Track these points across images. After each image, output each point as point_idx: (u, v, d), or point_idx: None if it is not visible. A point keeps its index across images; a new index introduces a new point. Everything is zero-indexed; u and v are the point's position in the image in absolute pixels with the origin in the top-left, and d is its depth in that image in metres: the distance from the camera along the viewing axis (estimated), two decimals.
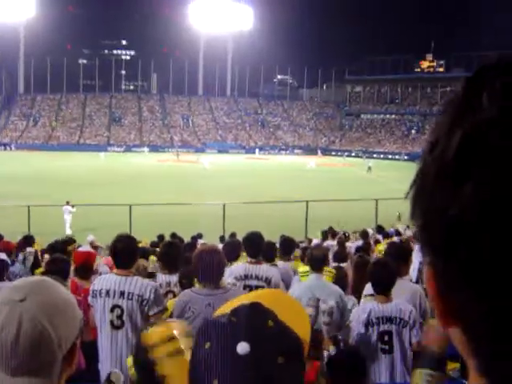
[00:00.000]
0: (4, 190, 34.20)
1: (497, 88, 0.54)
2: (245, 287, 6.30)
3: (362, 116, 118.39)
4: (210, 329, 1.18)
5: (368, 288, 6.36)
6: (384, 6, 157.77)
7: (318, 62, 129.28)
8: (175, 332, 2.20)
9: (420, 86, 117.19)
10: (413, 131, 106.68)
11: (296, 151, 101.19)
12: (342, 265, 9.58)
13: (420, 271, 8.76)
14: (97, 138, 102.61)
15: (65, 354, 1.56)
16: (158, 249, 13.92)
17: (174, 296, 6.35)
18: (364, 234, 16.79)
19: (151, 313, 5.30)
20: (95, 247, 14.65)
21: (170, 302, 5.70)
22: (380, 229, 20.56)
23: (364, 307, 5.57)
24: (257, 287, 6.30)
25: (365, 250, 12.84)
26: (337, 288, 6.50)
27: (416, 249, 9.31)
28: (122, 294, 5.32)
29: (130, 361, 2.81)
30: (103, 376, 5.19)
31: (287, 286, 7.22)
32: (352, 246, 15.25)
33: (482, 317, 0.55)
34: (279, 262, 8.83)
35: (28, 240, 12.69)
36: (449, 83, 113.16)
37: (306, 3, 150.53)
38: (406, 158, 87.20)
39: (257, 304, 1.20)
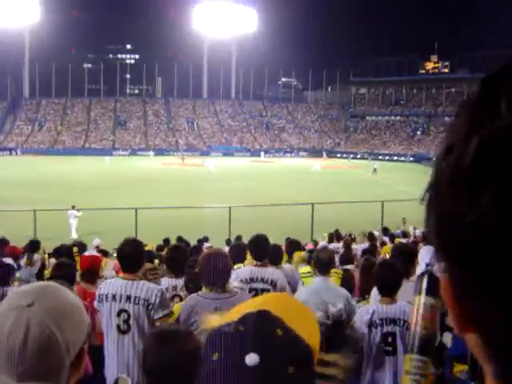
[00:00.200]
0: (10, 195, 34.29)
1: None
2: (250, 290, 6.29)
3: (367, 118, 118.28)
4: (217, 339, 1.15)
5: (376, 290, 6.35)
6: (388, 7, 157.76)
7: (323, 64, 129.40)
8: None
9: (425, 87, 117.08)
10: (418, 132, 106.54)
11: (301, 153, 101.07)
12: (348, 267, 9.58)
13: None
14: (102, 142, 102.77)
15: (72, 358, 1.55)
16: (163, 253, 13.98)
17: (181, 300, 6.34)
18: (370, 236, 16.76)
19: (156, 316, 5.29)
20: (102, 251, 14.67)
21: (177, 306, 5.70)
22: (386, 231, 20.55)
23: (368, 308, 5.56)
24: (262, 290, 6.30)
25: (371, 252, 12.82)
26: (344, 291, 6.49)
27: (423, 250, 9.27)
28: (128, 298, 5.32)
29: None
30: (110, 381, 5.19)
31: (293, 289, 7.21)
32: (358, 248, 15.23)
33: (500, 324, 0.54)
34: (285, 265, 8.82)
35: (34, 245, 12.71)
36: (454, 84, 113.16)
37: (309, 5, 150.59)
38: (411, 159, 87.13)
39: (264, 312, 1.17)
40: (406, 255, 6.61)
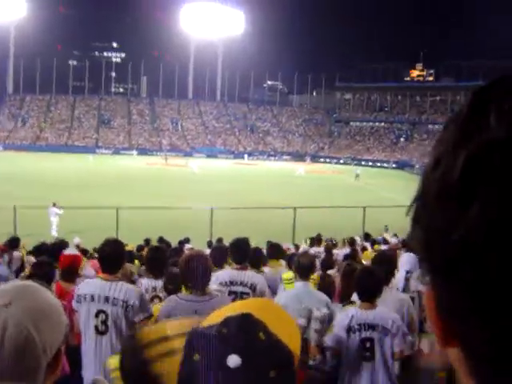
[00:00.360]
0: None
1: (505, 109, 0.53)
2: (230, 293, 6.28)
3: (351, 123, 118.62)
4: (198, 340, 1.14)
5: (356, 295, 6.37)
6: (374, 14, 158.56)
7: (308, 69, 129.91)
8: (169, 332, 2.16)
9: (409, 94, 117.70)
10: (401, 139, 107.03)
11: (284, 157, 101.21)
12: (328, 272, 9.59)
13: (407, 280, 8.78)
14: (85, 140, 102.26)
15: (49, 359, 1.54)
16: (143, 253, 13.94)
17: (160, 301, 6.32)
18: (351, 242, 16.81)
19: (137, 319, 5.26)
20: (82, 250, 14.58)
21: (156, 308, 5.68)
22: (367, 236, 20.62)
23: (347, 313, 5.57)
24: (242, 293, 6.30)
25: (352, 257, 12.85)
26: (324, 296, 6.50)
27: (403, 257, 9.32)
28: (106, 299, 5.29)
29: (113, 363, 2.78)
30: (88, 381, 5.16)
31: (274, 293, 7.21)
32: (339, 253, 15.26)
33: (485, 341, 0.54)
34: (266, 269, 8.81)
35: (14, 242, 12.61)
36: (438, 92, 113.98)
37: (297, 9, 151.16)
38: (394, 166, 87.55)
39: (247, 315, 1.17)
40: (386, 262, 6.64)
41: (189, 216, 27.36)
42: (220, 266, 7.56)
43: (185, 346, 1.16)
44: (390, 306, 5.82)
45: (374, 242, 18.27)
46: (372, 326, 5.33)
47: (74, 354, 5.38)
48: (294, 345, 1.19)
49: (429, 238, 0.57)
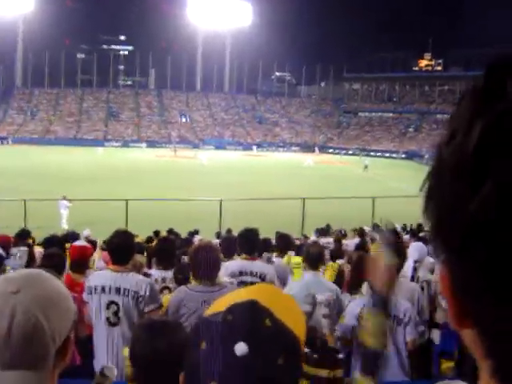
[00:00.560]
0: (1, 184, 34.13)
1: None
2: (239, 284, 6.28)
3: (360, 114, 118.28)
4: (204, 328, 1.14)
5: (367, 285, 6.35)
6: (383, 4, 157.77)
7: (317, 59, 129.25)
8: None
9: (418, 84, 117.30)
10: (410, 130, 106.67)
11: (293, 148, 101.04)
12: (338, 262, 9.59)
13: (415, 269, 8.76)
14: (94, 133, 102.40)
15: (58, 347, 1.55)
16: (151, 244, 13.96)
17: (170, 292, 6.34)
18: (360, 232, 16.79)
19: (147, 309, 5.28)
20: (91, 242, 14.61)
21: (166, 299, 5.69)
22: (376, 227, 20.58)
23: (357, 302, 5.56)
24: (252, 284, 6.29)
25: (362, 247, 12.84)
26: (333, 285, 6.50)
27: (411, 247, 9.29)
28: (117, 290, 5.30)
29: (126, 351, 2.81)
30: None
31: (283, 283, 7.21)
32: (348, 243, 15.26)
33: (499, 320, 0.53)
34: (276, 259, 8.82)
35: (24, 234, 12.65)
36: (447, 82, 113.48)
37: (305, 0, 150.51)
38: (403, 156, 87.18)
39: (253, 302, 1.17)
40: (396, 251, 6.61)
41: (198, 208, 27.39)
42: (229, 256, 7.57)
43: (191, 334, 1.17)
44: (401, 295, 5.81)
45: None
46: None
47: (84, 345, 5.41)
48: (299, 330, 1.19)
49: (442, 214, 0.57)
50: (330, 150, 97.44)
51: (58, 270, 5.89)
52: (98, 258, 9.91)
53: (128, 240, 5.62)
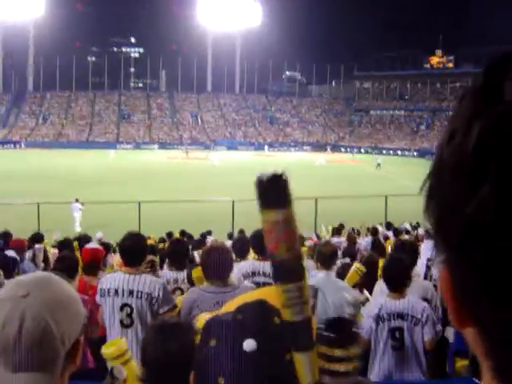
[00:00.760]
0: (14, 188, 34.34)
1: None
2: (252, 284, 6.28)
3: (371, 112, 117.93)
4: (214, 326, 1.18)
5: (380, 284, 6.34)
6: (392, 1, 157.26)
7: (327, 58, 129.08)
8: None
9: (429, 81, 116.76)
10: (422, 127, 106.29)
11: (305, 148, 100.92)
12: (349, 261, 9.56)
13: (428, 268, 8.73)
14: (106, 136, 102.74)
15: (68, 350, 1.55)
16: (163, 245, 13.98)
17: (182, 293, 6.35)
18: (374, 231, 16.75)
19: (161, 311, 5.29)
20: (104, 244, 14.67)
21: (178, 299, 5.70)
22: (389, 225, 20.52)
23: (376, 302, 5.54)
24: (264, 284, 6.29)
25: (376, 246, 12.78)
26: (345, 285, 6.47)
27: (424, 245, 9.27)
28: (131, 292, 5.32)
29: (108, 353, 2.84)
30: None
31: None
32: (361, 242, 15.22)
33: (497, 322, 0.53)
34: None
35: (37, 237, 12.72)
36: (458, 79, 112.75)
37: (314, 0, 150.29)
38: (415, 154, 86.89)
39: (262, 301, 1.20)
40: (408, 251, 6.60)
41: (211, 209, 27.44)
42: (242, 257, 7.57)
43: (201, 333, 1.19)
44: (415, 293, 5.79)
45: (396, 231, 18.16)
46: (401, 316, 5.29)
47: (98, 347, 5.42)
48: None
49: (442, 213, 0.57)
50: (342, 149, 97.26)
51: (70, 272, 5.92)
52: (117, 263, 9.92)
53: (140, 242, 5.63)
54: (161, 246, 15.12)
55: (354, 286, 7.14)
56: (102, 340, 5.53)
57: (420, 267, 8.32)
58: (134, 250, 5.50)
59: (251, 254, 7.44)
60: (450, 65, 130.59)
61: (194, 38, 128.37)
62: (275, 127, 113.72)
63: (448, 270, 0.58)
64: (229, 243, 12.03)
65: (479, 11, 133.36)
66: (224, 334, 1.14)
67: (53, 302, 1.53)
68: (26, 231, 14.94)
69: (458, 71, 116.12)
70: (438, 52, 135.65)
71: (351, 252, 11.25)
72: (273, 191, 0.80)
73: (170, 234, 18.05)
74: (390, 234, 17.89)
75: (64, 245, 10.62)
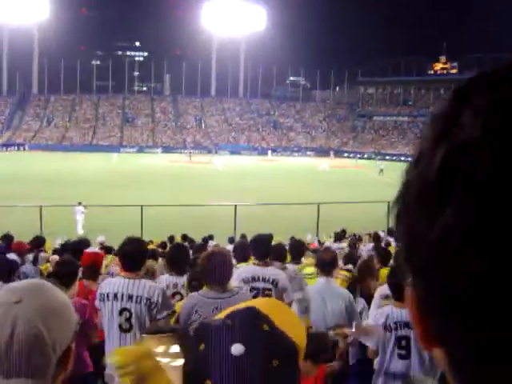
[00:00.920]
0: (17, 191, 34.38)
1: (481, 106, 0.51)
2: (252, 289, 6.28)
3: (375, 118, 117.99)
4: (204, 331, 1.19)
5: (383, 289, 6.32)
6: (397, 7, 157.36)
7: (331, 64, 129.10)
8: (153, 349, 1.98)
9: (433, 87, 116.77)
10: None
11: (308, 153, 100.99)
12: (351, 267, 9.54)
13: None
14: (110, 139, 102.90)
15: (59, 357, 1.55)
16: (162, 250, 13.97)
17: (182, 298, 6.35)
18: (376, 237, 16.72)
19: (159, 316, 5.30)
20: (106, 248, 14.69)
21: (177, 305, 5.70)
22: (391, 232, 20.47)
23: (382, 311, 5.52)
24: (264, 289, 6.29)
25: (379, 253, 12.65)
26: (345, 291, 6.47)
27: None
28: (130, 297, 5.32)
29: (117, 360, 2.80)
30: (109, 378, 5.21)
31: (300, 289, 7.19)
32: (364, 248, 15.20)
33: (462, 345, 0.53)
34: (289, 265, 8.79)
35: (39, 241, 12.73)
36: None
37: (318, 5, 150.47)
38: None
39: (252, 308, 1.21)
40: None
41: (213, 213, 27.42)
42: (243, 261, 7.57)
43: (191, 338, 1.23)
44: None
45: None
46: (408, 324, 5.27)
47: (97, 352, 5.43)
48: (298, 339, 1.22)
49: (408, 238, 0.57)
50: (345, 154, 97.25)
51: (70, 277, 5.92)
52: (114, 263, 9.94)
53: (140, 247, 5.64)
54: (163, 250, 15.09)
55: (354, 291, 7.14)
56: (101, 345, 5.55)
57: None
58: (134, 255, 5.50)
59: (252, 259, 7.44)
60: (454, 71, 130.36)
61: (199, 42, 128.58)
62: (278, 132, 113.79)
63: (414, 292, 0.58)
64: (230, 248, 12.02)
65: (483, 18, 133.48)
66: (212, 339, 1.15)
67: (45, 308, 1.54)
68: (28, 234, 14.97)
69: (461, 77, 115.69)
70: (442, 58, 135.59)
71: (353, 258, 11.20)
72: None
73: (171, 238, 18.05)
74: (392, 240, 17.86)
75: (64, 249, 10.64)
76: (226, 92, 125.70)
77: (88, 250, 7.44)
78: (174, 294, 6.61)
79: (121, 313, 5.34)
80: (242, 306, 1.25)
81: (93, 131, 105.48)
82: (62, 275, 5.77)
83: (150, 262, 7.38)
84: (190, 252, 10.57)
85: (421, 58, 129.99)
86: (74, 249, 9.61)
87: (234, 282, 5.93)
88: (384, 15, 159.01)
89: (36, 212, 23.01)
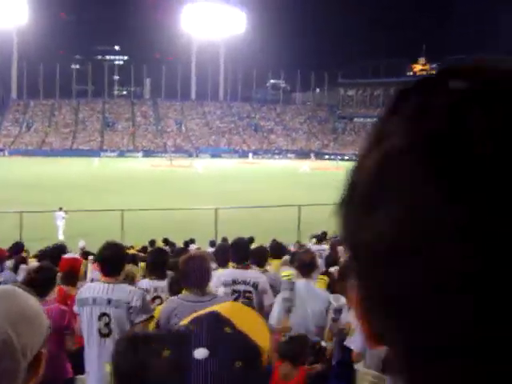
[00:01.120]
0: None
1: (407, 115, 0.52)
2: (233, 292, 6.28)
3: (355, 119, 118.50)
4: (168, 337, 1.22)
5: None
6: (377, 10, 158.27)
7: (311, 66, 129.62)
8: None
9: None
10: None
11: (289, 155, 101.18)
12: (332, 269, 9.57)
13: None
14: (90, 143, 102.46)
15: (30, 362, 1.55)
16: (143, 254, 13.92)
17: (161, 302, 6.33)
18: None
19: (138, 320, 5.27)
20: (86, 253, 14.59)
21: (157, 309, 5.69)
22: None
23: None
24: (245, 292, 6.30)
25: None
26: (325, 293, 6.49)
27: None
28: (109, 301, 5.30)
29: (108, 367, 2.80)
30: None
31: (276, 292, 7.20)
32: (343, 249, 15.20)
33: (397, 345, 0.54)
34: (269, 268, 8.80)
35: (18, 247, 12.64)
36: None
37: (298, 8, 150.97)
38: None
39: (214, 312, 1.23)
40: None
41: (194, 216, 27.34)
42: (224, 265, 7.57)
43: (155, 344, 1.25)
44: None
45: None
46: None
47: (77, 357, 5.40)
48: (262, 342, 1.24)
49: (347, 239, 0.58)
50: (326, 156, 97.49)
51: (48, 283, 5.88)
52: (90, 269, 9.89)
53: (119, 252, 5.62)
54: (144, 254, 15.03)
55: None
56: (80, 350, 5.52)
57: None
58: (113, 260, 5.48)
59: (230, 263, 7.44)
60: (434, 72, 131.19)
61: (178, 45, 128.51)
62: (259, 135, 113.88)
63: (357, 291, 0.59)
64: (210, 250, 12.02)
65: (463, 20, 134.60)
66: (176, 344, 1.18)
67: (14, 313, 1.53)
68: (8, 240, 14.86)
69: None
70: (421, 60, 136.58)
71: (334, 260, 11.23)
72: None
73: (152, 242, 17.98)
74: None
75: (43, 255, 10.56)
76: (207, 95, 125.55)
77: (66, 256, 7.40)
78: (154, 299, 6.60)
79: (100, 318, 5.31)
80: (204, 311, 1.26)
81: (73, 136, 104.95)
82: (40, 281, 5.74)
83: (129, 267, 7.35)
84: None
85: (401, 60, 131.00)
86: (52, 255, 9.56)
87: (213, 286, 5.94)
88: (364, 17, 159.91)
89: (16, 218, 22.85)
